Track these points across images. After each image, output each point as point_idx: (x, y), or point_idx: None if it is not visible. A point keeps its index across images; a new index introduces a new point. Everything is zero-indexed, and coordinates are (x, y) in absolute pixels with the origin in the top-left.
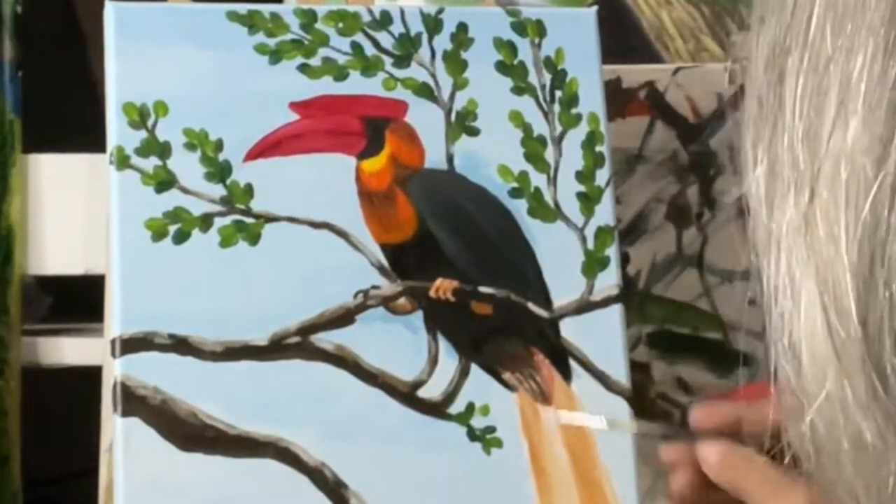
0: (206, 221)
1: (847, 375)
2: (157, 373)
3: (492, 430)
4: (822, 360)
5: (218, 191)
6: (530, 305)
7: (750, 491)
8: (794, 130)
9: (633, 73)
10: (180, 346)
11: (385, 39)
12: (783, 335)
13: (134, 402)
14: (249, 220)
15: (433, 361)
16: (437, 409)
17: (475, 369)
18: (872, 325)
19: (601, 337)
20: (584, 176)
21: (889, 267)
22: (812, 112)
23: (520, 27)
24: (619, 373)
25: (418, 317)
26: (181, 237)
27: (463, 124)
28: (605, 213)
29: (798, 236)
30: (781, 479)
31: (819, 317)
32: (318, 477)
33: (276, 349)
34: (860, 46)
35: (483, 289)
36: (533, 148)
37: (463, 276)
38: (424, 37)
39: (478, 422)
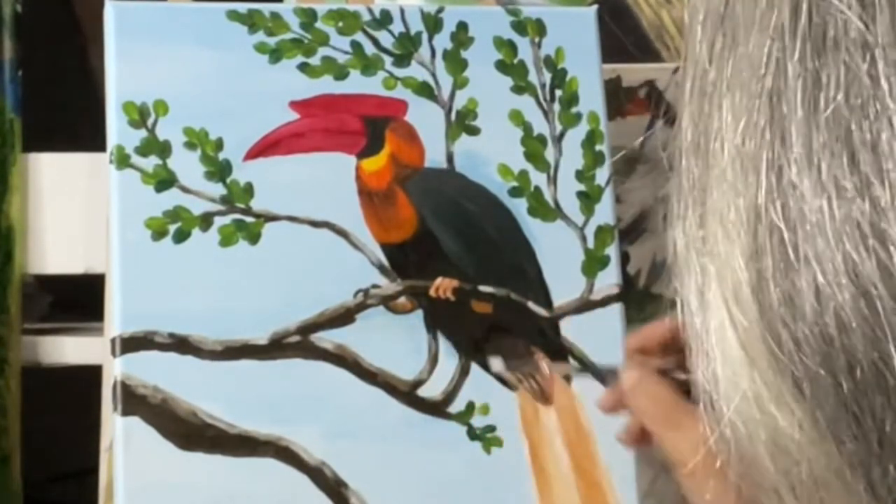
0: (206, 220)
1: (754, 364)
2: (157, 372)
3: (492, 429)
4: (733, 358)
5: (218, 190)
6: (530, 304)
7: (646, 413)
8: (689, 143)
9: (634, 72)
10: (180, 345)
11: (385, 38)
12: (699, 349)
13: (134, 401)
14: (249, 220)
15: (433, 360)
16: (437, 409)
17: (475, 368)
18: (763, 294)
19: (601, 336)
20: (584, 175)
21: (771, 228)
22: (702, 123)
23: (520, 26)
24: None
25: (418, 316)
26: (181, 236)
27: (463, 123)
28: (605, 212)
29: (698, 243)
30: (678, 406)
31: (725, 315)
32: (319, 476)
33: (277, 348)
34: (736, 60)
35: (483, 288)
36: (533, 147)
37: (463, 275)
38: (424, 36)
39: (478, 421)
